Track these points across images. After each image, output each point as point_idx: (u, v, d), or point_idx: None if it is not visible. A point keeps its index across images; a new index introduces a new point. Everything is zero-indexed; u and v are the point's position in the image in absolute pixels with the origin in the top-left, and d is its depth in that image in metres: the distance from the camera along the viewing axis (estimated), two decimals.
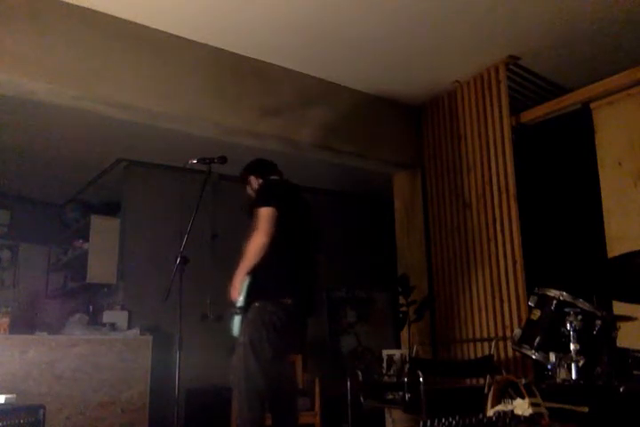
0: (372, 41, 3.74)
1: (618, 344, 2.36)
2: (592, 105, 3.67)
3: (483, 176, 4.05)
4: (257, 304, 2.90)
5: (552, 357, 2.25)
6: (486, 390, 2.91)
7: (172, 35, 3.61)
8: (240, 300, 2.90)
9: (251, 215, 3.04)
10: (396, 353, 4.09)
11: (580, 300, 2.39)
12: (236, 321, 2.92)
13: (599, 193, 3.55)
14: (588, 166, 3.60)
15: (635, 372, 2.25)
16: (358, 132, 4.33)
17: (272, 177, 3.29)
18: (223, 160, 3.06)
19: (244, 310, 2.90)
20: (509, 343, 3.58)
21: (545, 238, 3.78)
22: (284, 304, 2.93)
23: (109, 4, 3.33)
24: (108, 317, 4.85)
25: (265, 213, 2.94)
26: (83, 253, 5.57)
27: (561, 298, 2.42)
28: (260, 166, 3.36)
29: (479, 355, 3.84)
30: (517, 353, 3.14)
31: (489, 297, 3.87)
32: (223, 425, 4.22)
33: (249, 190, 3.36)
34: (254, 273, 2.92)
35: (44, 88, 3.22)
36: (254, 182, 3.31)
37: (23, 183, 5.90)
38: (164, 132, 4.08)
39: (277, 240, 2.92)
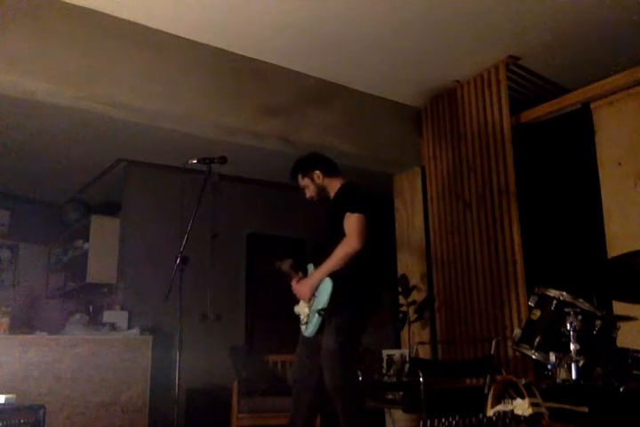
0: (372, 41, 3.74)
1: (618, 344, 2.36)
2: (592, 105, 3.68)
3: (483, 176, 4.04)
4: (349, 312, 2.87)
5: (552, 357, 2.25)
6: (486, 390, 2.90)
7: (172, 35, 3.61)
8: (323, 301, 2.86)
9: (333, 215, 3.01)
10: (396, 353, 4.09)
11: (580, 300, 2.39)
12: (316, 322, 2.88)
13: (599, 193, 3.55)
14: (588, 166, 3.60)
15: (635, 372, 2.25)
16: (358, 132, 4.33)
17: (340, 178, 3.20)
18: (223, 160, 3.05)
19: (328, 312, 2.85)
20: (509, 343, 3.58)
21: (545, 238, 3.77)
22: (369, 313, 2.95)
23: (109, 4, 3.33)
24: (108, 317, 4.85)
25: (360, 220, 2.88)
26: (83, 253, 5.57)
27: (561, 298, 2.42)
28: (328, 163, 3.24)
29: (479, 355, 3.84)
30: (517, 353, 3.14)
31: (489, 297, 3.87)
32: (223, 425, 4.22)
33: (307, 183, 3.20)
34: (343, 277, 2.87)
35: (43, 88, 3.22)
36: (318, 178, 3.17)
37: (23, 183, 5.90)
38: (163, 132, 4.08)
39: (366, 248, 2.88)
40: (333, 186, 3.17)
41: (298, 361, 3.10)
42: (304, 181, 3.21)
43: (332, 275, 2.88)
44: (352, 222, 2.88)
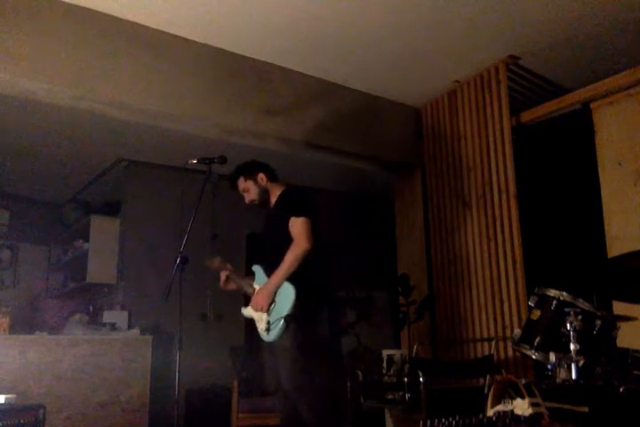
0: (372, 41, 3.74)
1: (618, 344, 2.36)
2: (592, 105, 3.68)
3: (483, 176, 4.05)
4: (307, 312, 2.87)
5: (552, 357, 2.25)
6: (486, 391, 2.91)
7: (172, 35, 3.62)
8: (287, 307, 2.84)
9: (275, 219, 3.05)
10: (396, 353, 4.08)
11: (580, 300, 2.39)
12: (280, 328, 2.85)
13: (599, 193, 3.55)
14: (588, 166, 3.60)
15: (635, 372, 2.25)
16: (358, 132, 4.33)
17: (281, 184, 3.22)
18: (223, 160, 3.05)
19: (292, 316, 2.85)
20: (509, 343, 3.58)
21: (545, 238, 3.78)
22: (326, 312, 2.97)
23: (109, 4, 3.33)
24: (108, 317, 4.85)
25: (305, 222, 2.93)
26: (83, 253, 5.57)
27: (561, 298, 2.42)
28: (271, 169, 3.27)
29: (479, 355, 3.84)
30: (517, 353, 3.14)
31: (489, 297, 3.87)
32: (223, 425, 4.22)
33: (249, 185, 3.22)
34: (301, 281, 2.88)
35: (43, 88, 3.22)
36: (262, 180, 3.20)
37: (23, 183, 5.90)
38: (164, 132, 4.08)
39: (315, 249, 2.92)
40: (275, 192, 3.19)
41: (271, 368, 3.04)
42: (246, 184, 3.22)
43: (290, 279, 2.89)
44: (298, 226, 2.92)
